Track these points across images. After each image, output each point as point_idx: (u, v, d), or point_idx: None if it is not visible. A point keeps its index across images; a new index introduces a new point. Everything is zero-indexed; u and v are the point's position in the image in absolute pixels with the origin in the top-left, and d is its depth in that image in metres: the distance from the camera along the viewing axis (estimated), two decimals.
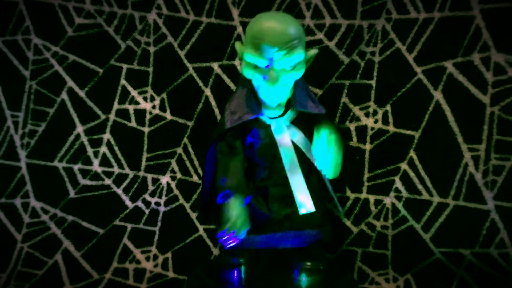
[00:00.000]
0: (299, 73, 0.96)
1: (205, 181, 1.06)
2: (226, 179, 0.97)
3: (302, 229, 1.02)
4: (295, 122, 1.02)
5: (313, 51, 0.99)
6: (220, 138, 1.01)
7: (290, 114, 1.01)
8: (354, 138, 1.23)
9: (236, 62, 1.27)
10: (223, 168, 0.99)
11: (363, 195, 1.23)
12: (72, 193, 1.32)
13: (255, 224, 1.01)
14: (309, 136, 1.02)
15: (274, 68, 0.93)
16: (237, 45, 1.00)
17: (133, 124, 1.31)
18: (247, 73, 0.96)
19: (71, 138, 1.32)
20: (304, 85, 1.02)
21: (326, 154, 0.95)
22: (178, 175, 1.30)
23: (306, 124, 1.02)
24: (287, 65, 0.93)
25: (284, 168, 1.00)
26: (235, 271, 1.02)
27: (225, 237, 0.94)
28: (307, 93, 1.02)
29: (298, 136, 1.01)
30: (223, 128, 1.00)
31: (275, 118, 1.01)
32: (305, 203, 1.00)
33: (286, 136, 1.00)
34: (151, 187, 1.31)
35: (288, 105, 1.01)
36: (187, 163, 1.30)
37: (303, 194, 1.00)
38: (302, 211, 1.00)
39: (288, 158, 1.00)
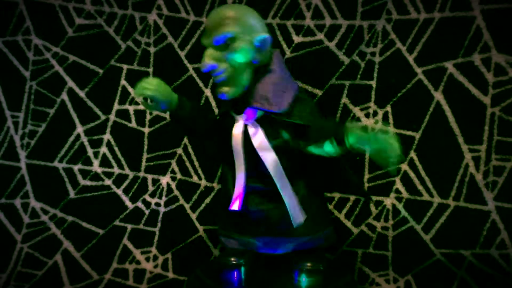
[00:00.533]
0: (238, 53, 0.95)
1: None
2: None
3: (294, 236, 1.01)
4: (261, 121, 0.98)
5: (261, 35, 0.96)
6: None
7: (251, 112, 1.00)
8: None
9: None
10: None
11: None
12: (72, 194, 1.32)
13: (251, 226, 1.00)
14: (273, 136, 0.98)
15: (209, 47, 0.95)
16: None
17: (133, 124, 1.31)
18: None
19: (71, 138, 1.32)
20: (277, 82, 0.98)
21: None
22: (178, 176, 1.30)
23: (273, 124, 0.98)
24: (217, 41, 0.94)
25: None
26: (235, 272, 1.02)
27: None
28: (276, 91, 0.97)
29: (256, 135, 0.98)
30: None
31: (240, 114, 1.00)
32: (297, 217, 0.98)
33: (239, 133, 0.98)
34: (151, 188, 1.31)
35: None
36: (187, 163, 1.30)
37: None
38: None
39: (239, 155, 0.99)
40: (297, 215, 0.97)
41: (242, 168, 0.99)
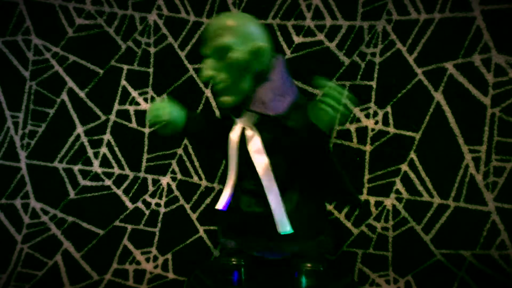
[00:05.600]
0: (234, 62, 0.95)
1: None
2: None
3: (285, 242, 1.00)
4: (260, 125, 0.99)
5: (258, 44, 0.96)
6: None
7: (249, 116, 0.99)
8: (355, 139, 1.23)
9: None
10: None
11: (364, 197, 1.23)
12: (72, 194, 1.32)
13: (248, 228, 1.00)
14: (270, 141, 0.98)
15: (207, 57, 0.96)
16: None
17: (133, 125, 1.31)
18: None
19: (71, 138, 1.32)
20: (277, 86, 0.98)
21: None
22: (179, 176, 1.30)
23: (270, 128, 0.99)
24: (213, 51, 0.95)
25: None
26: (235, 272, 1.02)
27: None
28: (274, 95, 0.97)
29: (252, 138, 0.99)
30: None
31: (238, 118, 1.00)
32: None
33: (235, 136, 1.00)
34: (151, 188, 1.31)
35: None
36: (188, 164, 1.30)
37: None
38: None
39: (234, 158, 1.01)
40: (283, 223, 0.96)
41: (233, 169, 1.01)
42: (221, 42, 0.95)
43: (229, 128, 1.01)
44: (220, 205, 1.01)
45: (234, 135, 1.00)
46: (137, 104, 1.31)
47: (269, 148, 0.98)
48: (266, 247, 1.00)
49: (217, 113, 1.28)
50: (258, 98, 0.97)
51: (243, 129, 0.99)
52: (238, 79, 0.97)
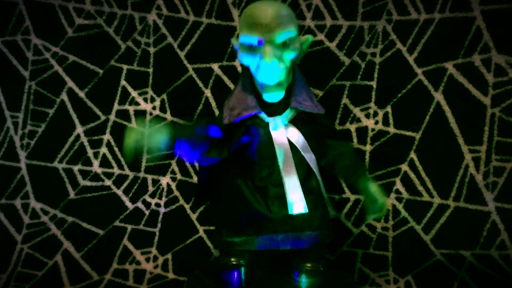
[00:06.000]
0: (294, 52, 0.96)
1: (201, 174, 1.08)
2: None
3: (302, 231, 1.02)
4: (294, 122, 1.02)
5: (308, 36, 1.00)
6: None
7: (288, 113, 1.01)
8: (355, 139, 1.23)
9: (236, 63, 1.27)
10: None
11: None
12: (72, 194, 1.32)
13: (255, 225, 1.01)
14: (307, 136, 1.02)
15: (267, 44, 0.94)
16: (233, 39, 1.02)
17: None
18: (243, 57, 0.97)
19: (71, 139, 1.32)
20: (304, 84, 1.02)
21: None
22: (178, 176, 1.30)
23: (306, 124, 1.02)
24: (279, 39, 0.94)
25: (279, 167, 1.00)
26: (235, 272, 1.02)
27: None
28: (307, 92, 1.01)
29: (296, 136, 1.01)
30: (221, 124, 1.01)
31: (273, 116, 1.01)
32: (297, 203, 0.99)
33: (282, 135, 1.00)
34: (151, 188, 1.31)
35: (287, 105, 1.01)
36: (187, 164, 1.30)
37: (296, 194, 0.99)
38: (294, 211, 1.00)
39: (283, 157, 0.99)
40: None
41: (292, 168, 1.00)
42: (289, 29, 0.94)
43: (249, 132, 1.01)
44: (301, 208, 1.00)
45: (280, 134, 1.00)
46: (137, 104, 1.31)
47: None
48: (280, 239, 1.01)
49: (217, 113, 1.28)
50: (296, 98, 0.99)
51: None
52: (288, 71, 0.98)
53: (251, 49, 0.95)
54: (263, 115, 1.00)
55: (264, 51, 0.93)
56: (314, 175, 1.04)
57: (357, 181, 1.03)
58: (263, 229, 1.01)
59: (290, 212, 1.00)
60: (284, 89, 0.99)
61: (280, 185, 1.00)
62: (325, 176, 1.07)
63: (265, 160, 1.01)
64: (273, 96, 0.98)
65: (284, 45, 0.95)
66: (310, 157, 1.02)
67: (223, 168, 1.05)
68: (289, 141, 1.00)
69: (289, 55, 0.96)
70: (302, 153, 1.01)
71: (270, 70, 0.95)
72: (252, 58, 0.96)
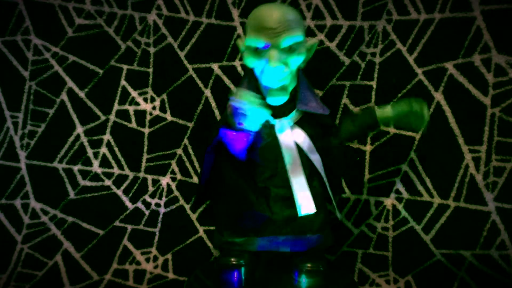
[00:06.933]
0: (300, 57, 0.96)
1: (203, 169, 1.07)
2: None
3: (303, 234, 1.02)
4: (299, 124, 1.01)
5: (314, 40, 1.01)
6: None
7: (294, 115, 1.01)
8: (355, 140, 1.23)
9: (236, 63, 1.27)
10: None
11: (364, 197, 1.23)
12: (72, 194, 1.32)
13: (256, 226, 1.01)
14: (313, 137, 1.02)
15: (273, 48, 0.94)
16: (238, 41, 1.02)
17: (133, 125, 1.31)
18: (249, 59, 0.97)
19: (71, 139, 1.32)
20: (308, 86, 1.02)
21: None
22: (178, 176, 1.30)
23: (310, 125, 1.02)
24: (285, 43, 0.94)
25: (286, 168, 1.00)
26: (235, 273, 1.02)
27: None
28: (312, 94, 1.01)
29: (302, 137, 1.01)
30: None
31: (279, 118, 1.01)
32: (305, 204, 0.99)
33: (289, 136, 1.00)
34: (151, 188, 1.31)
35: (292, 106, 1.01)
36: (187, 164, 1.30)
37: (304, 195, 0.99)
38: (302, 211, 1.00)
39: (290, 158, 0.99)
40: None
41: (300, 171, 0.99)
42: (295, 34, 0.93)
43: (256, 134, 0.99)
44: (310, 208, 0.99)
45: (287, 135, 0.99)
46: (137, 104, 1.31)
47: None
48: (280, 241, 1.01)
49: (217, 113, 1.28)
50: (303, 95, 0.99)
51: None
52: (293, 75, 0.98)
53: (257, 52, 0.96)
54: (268, 117, 1.00)
55: (270, 56, 0.93)
56: (316, 177, 1.04)
57: (376, 120, 1.00)
58: (265, 230, 1.01)
59: (298, 214, 0.99)
60: (288, 93, 0.99)
61: (283, 187, 1.00)
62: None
63: (268, 161, 1.01)
64: (277, 100, 0.98)
65: (290, 50, 0.95)
66: (315, 158, 1.02)
67: (226, 168, 1.05)
68: (294, 142, 1.00)
69: (295, 60, 0.96)
70: (308, 154, 1.01)
71: (275, 74, 0.95)
72: (258, 61, 0.96)
